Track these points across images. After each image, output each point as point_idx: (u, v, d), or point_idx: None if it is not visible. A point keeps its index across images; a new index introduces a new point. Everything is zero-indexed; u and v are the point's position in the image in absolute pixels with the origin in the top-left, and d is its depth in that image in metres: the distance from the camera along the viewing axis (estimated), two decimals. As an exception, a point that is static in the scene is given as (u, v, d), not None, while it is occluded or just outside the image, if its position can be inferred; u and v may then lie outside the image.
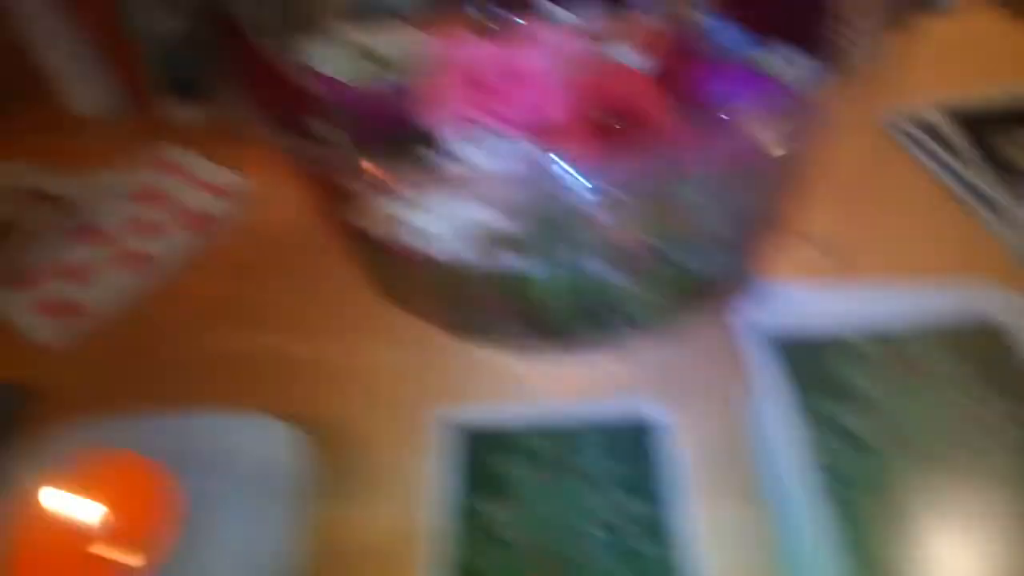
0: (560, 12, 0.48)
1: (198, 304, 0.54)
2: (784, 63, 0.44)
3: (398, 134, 0.45)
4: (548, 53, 0.43)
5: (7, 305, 0.54)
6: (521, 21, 0.47)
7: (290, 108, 0.40)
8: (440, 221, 0.39)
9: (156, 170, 0.65)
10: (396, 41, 0.49)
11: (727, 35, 0.47)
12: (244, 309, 0.53)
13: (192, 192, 0.62)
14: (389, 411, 0.46)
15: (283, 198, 0.60)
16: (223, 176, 0.63)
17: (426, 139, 0.44)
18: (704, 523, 0.39)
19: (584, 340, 0.46)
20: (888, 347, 0.43)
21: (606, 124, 0.43)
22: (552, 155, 0.41)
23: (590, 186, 0.36)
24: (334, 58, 0.48)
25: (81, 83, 0.72)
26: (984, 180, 0.55)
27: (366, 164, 0.36)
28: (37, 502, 0.37)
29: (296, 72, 0.42)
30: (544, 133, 0.42)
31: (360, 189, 0.39)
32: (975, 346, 0.43)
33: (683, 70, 0.46)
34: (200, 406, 0.44)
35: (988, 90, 0.61)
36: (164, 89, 0.69)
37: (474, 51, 0.43)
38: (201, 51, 0.66)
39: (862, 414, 0.40)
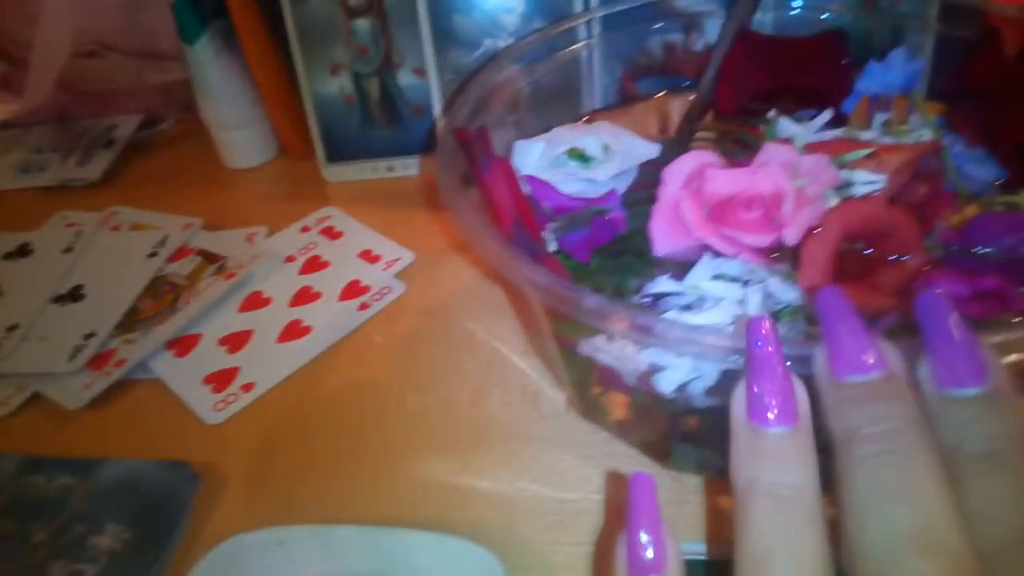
0: (791, 126, 0.45)
1: (357, 385, 0.51)
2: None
3: (611, 248, 0.43)
4: (785, 173, 0.40)
5: (172, 372, 0.53)
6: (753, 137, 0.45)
7: (519, 223, 0.37)
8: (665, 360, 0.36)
9: (319, 235, 0.64)
10: (603, 139, 0.47)
11: (981, 169, 0.43)
12: (408, 398, 0.50)
13: (355, 263, 0.61)
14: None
15: (453, 276, 0.58)
16: (388, 248, 0.61)
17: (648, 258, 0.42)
18: None
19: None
20: None
21: (848, 251, 0.40)
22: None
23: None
24: (539, 158, 0.46)
25: (248, 139, 0.72)
26: None
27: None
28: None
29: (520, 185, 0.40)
30: (778, 259, 0.39)
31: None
32: None
33: (927, 201, 0.43)
34: (376, 516, 0.42)
35: None
36: (326, 151, 0.69)
37: (709, 172, 0.40)
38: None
39: None
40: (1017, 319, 0.35)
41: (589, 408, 0.45)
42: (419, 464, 0.46)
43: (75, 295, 0.60)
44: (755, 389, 0.22)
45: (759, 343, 0.22)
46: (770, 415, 0.21)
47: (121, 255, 0.63)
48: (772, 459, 0.21)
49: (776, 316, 0.38)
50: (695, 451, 0.41)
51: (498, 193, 0.37)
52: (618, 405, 0.42)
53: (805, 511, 0.20)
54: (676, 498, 0.42)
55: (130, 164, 0.77)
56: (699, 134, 0.52)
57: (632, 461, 0.44)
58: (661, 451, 0.42)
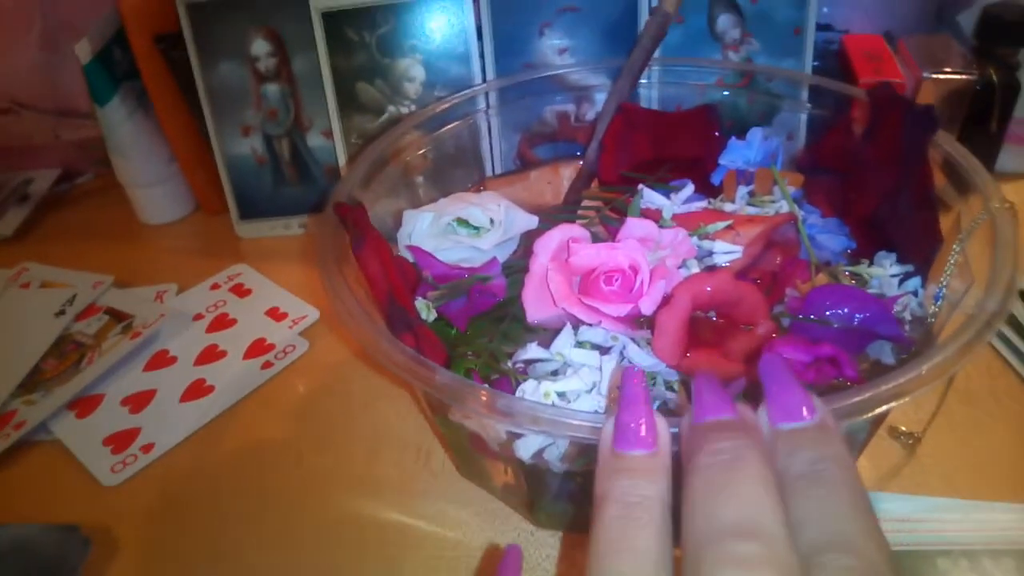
0: (657, 198, 0.49)
1: (257, 445, 0.53)
2: (888, 279, 0.44)
3: (493, 314, 0.45)
4: (644, 247, 0.43)
5: (72, 434, 0.54)
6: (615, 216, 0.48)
7: (395, 293, 0.40)
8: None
9: (228, 292, 0.65)
10: (487, 210, 0.50)
11: (832, 240, 0.47)
12: (305, 456, 0.52)
13: (262, 320, 0.62)
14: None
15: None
16: (295, 306, 0.63)
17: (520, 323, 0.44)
18: None
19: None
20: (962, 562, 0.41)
21: (701, 320, 0.43)
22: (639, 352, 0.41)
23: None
24: (427, 227, 0.49)
25: (163, 195, 0.73)
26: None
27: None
28: None
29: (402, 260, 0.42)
30: (637, 327, 0.42)
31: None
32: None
33: (782, 269, 0.46)
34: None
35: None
36: (239, 209, 0.70)
37: (573, 245, 0.43)
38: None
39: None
40: (848, 385, 0.39)
41: (469, 470, 0.47)
42: (313, 521, 0.47)
43: (-22, 355, 0.60)
44: (623, 419, 0.26)
45: (632, 383, 0.26)
46: (632, 441, 0.25)
47: (28, 313, 0.64)
48: (626, 475, 0.24)
49: (635, 381, 0.40)
50: (565, 511, 0.43)
51: (371, 269, 0.39)
52: (494, 469, 0.44)
53: (649, 514, 0.23)
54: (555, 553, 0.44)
55: (45, 219, 0.77)
56: (584, 202, 0.55)
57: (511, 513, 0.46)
58: (536, 513, 0.44)
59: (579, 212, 0.54)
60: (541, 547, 0.44)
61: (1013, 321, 0.54)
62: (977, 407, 0.51)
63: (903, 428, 0.49)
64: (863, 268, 0.46)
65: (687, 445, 0.25)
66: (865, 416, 0.32)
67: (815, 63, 0.65)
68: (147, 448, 0.52)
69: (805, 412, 0.25)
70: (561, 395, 0.38)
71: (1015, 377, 0.52)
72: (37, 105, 0.77)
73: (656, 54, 0.56)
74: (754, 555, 0.20)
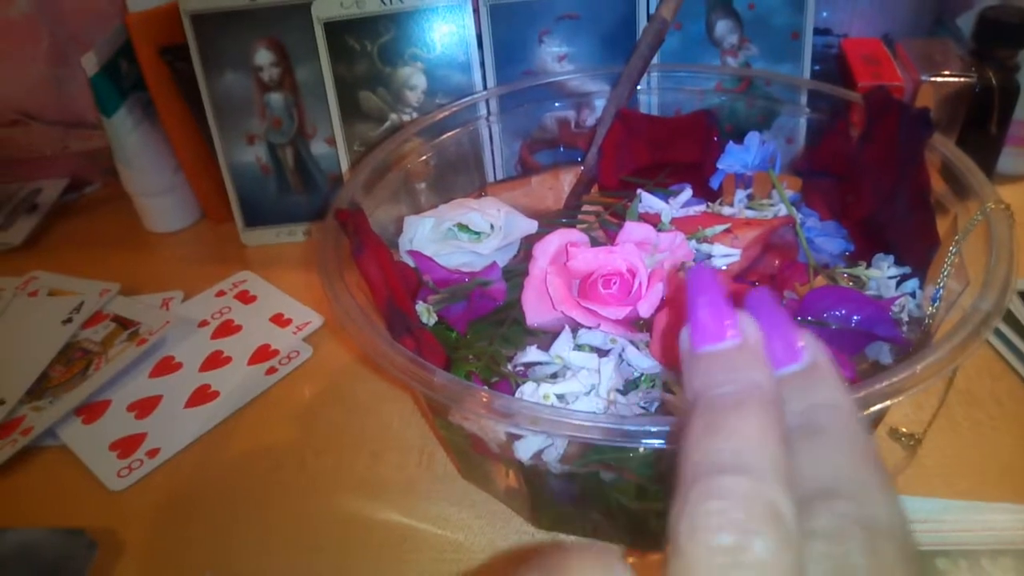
0: (656, 202, 0.49)
1: (261, 449, 0.53)
2: (886, 280, 0.44)
3: (493, 318, 0.46)
4: (642, 250, 0.44)
5: (78, 439, 0.54)
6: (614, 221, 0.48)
7: (395, 298, 0.40)
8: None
9: (233, 299, 0.66)
10: (487, 215, 0.50)
11: (830, 242, 0.47)
12: (308, 461, 0.52)
13: (267, 327, 0.63)
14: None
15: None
16: (299, 312, 0.64)
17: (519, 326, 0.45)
18: None
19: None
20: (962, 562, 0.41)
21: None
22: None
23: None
24: (428, 232, 0.49)
25: (169, 204, 0.74)
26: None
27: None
28: None
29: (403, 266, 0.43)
30: (635, 330, 0.42)
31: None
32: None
33: (780, 272, 0.47)
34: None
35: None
36: (244, 216, 0.71)
37: (572, 249, 0.44)
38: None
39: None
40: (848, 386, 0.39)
41: (470, 472, 0.47)
42: (317, 525, 0.47)
43: (-13, 362, 0.61)
44: (697, 314, 0.22)
45: (699, 274, 0.23)
46: (712, 334, 0.22)
47: (36, 321, 0.65)
48: (717, 368, 0.21)
49: (634, 383, 0.41)
50: (566, 512, 0.43)
51: (371, 274, 0.40)
52: (496, 471, 0.44)
53: (755, 397, 0.20)
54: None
55: (53, 228, 0.78)
56: (585, 207, 0.55)
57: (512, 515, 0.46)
58: (537, 514, 0.44)
59: (579, 217, 0.54)
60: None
61: (1014, 323, 0.54)
62: (978, 408, 0.51)
63: (904, 429, 0.49)
64: (861, 270, 0.46)
65: (687, 374, 0.22)
66: (862, 414, 0.32)
67: (814, 67, 0.65)
68: (153, 453, 0.53)
69: (794, 355, 0.22)
70: (560, 397, 0.38)
71: (1016, 379, 0.52)
72: (45, 117, 0.78)
73: (655, 60, 0.57)
74: (739, 489, 0.19)
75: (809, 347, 0.22)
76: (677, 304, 0.40)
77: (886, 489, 0.20)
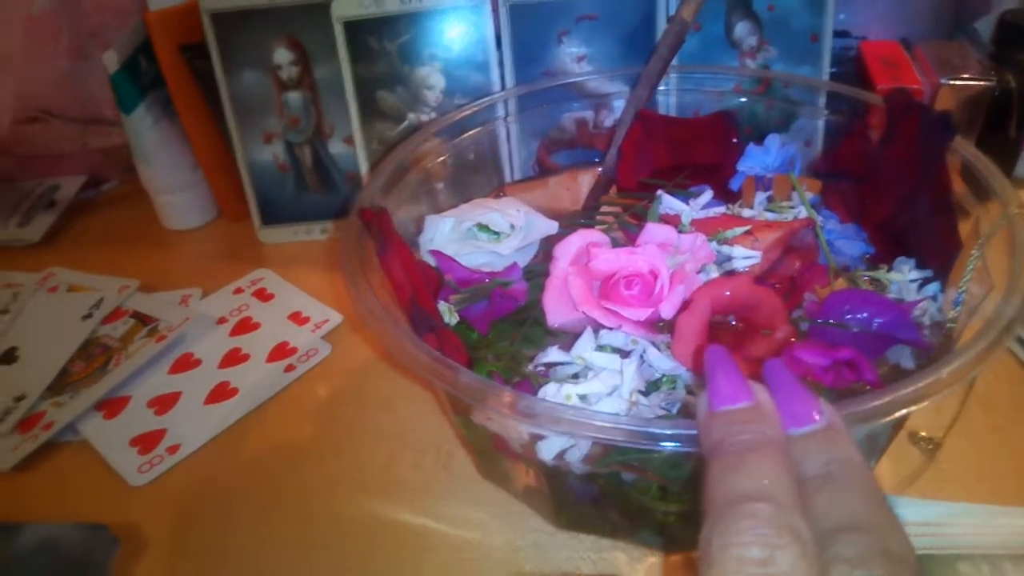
0: (676, 204, 0.49)
1: (280, 446, 0.54)
2: (907, 284, 0.44)
3: (514, 318, 0.46)
4: (663, 251, 0.44)
5: (99, 435, 0.55)
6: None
7: (418, 300, 0.40)
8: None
9: (251, 296, 0.66)
10: (507, 215, 0.51)
11: (851, 245, 0.47)
12: (326, 459, 0.52)
13: (285, 324, 0.63)
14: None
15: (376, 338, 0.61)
16: (317, 310, 0.64)
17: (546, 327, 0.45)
18: None
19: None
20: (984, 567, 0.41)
21: (721, 324, 0.43)
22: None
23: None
24: (448, 232, 0.50)
25: (187, 202, 0.75)
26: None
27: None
28: None
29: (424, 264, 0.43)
30: (657, 331, 0.42)
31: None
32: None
33: (801, 274, 0.47)
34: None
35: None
36: (261, 215, 0.72)
37: (593, 250, 0.44)
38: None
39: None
40: (868, 389, 0.39)
41: (490, 471, 0.47)
42: (334, 523, 0.48)
43: (8, 357, 0.61)
44: (716, 381, 0.26)
45: (716, 353, 0.27)
46: (729, 396, 0.26)
47: (56, 317, 0.65)
48: (734, 423, 0.25)
49: (655, 384, 0.41)
50: (587, 512, 0.43)
51: (395, 273, 0.40)
52: (516, 470, 0.44)
53: (765, 446, 0.24)
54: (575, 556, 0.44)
55: (72, 224, 0.79)
56: (603, 208, 0.55)
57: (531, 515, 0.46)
58: (557, 514, 0.44)
59: (598, 218, 0.54)
60: (561, 549, 0.45)
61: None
62: (998, 414, 0.51)
63: (923, 433, 0.49)
64: (882, 273, 0.46)
65: (705, 432, 0.26)
66: (885, 420, 0.32)
67: (832, 69, 0.65)
68: (173, 449, 0.53)
69: (814, 415, 0.26)
70: (582, 398, 0.38)
71: (1035, 383, 0.52)
72: (65, 113, 0.78)
73: (674, 61, 0.57)
74: (766, 512, 0.22)
75: (826, 411, 0.26)
76: (698, 306, 0.40)
77: (899, 527, 0.23)
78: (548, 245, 0.50)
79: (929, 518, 0.43)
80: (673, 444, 0.31)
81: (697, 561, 0.22)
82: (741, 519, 0.22)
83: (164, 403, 0.57)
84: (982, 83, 0.63)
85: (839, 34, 0.70)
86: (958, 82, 0.64)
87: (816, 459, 0.24)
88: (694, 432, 0.30)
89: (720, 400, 0.26)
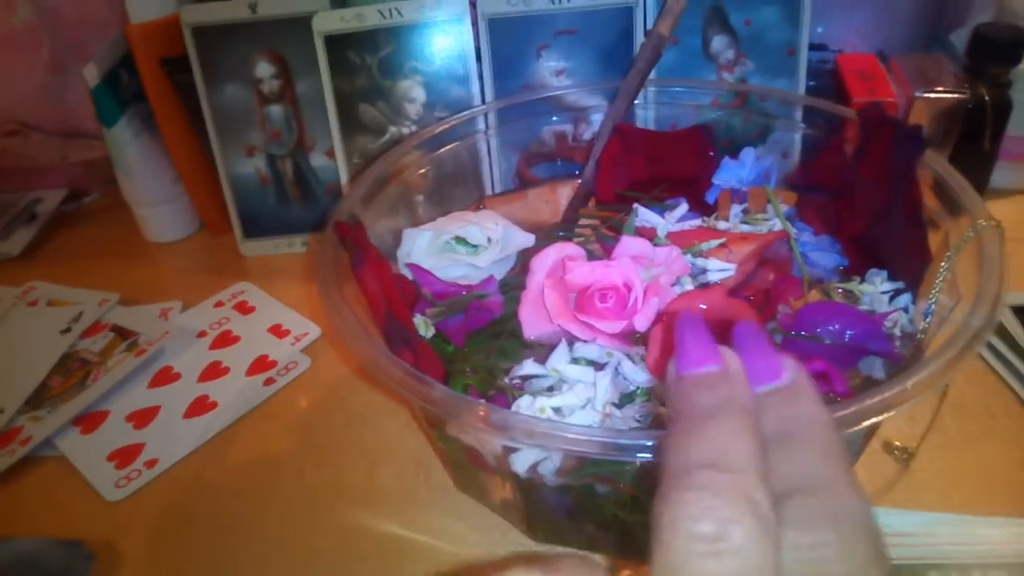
0: (652, 216, 0.50)
1: (259, 460, 0.53)
2: (879, 295, 0.45)
3: (490, 330, 0.46)
4: (639, 264, 0.44)
5: (76, 450, 0.55)
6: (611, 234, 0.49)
7: (393, 313, 0.40)
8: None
9: (232, 309, 0.66)
10: (485, 228, 0.51)
11: (825, 257, 0.47)
12: (306, 472, 0.52)
13: (265, 337, 0.63)
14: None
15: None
16: (297, 323, 0.64)
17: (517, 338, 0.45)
18: None
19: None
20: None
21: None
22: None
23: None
24: (426, 245, 0.50)
25: (168, 214, 0.74)
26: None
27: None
28: None
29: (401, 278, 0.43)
30: (631, 344, 0.43)
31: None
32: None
33: (775, 286, 0.47)
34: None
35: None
36: (243, 227, 0.72)
37: (568, 263, 0.44)
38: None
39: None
40: (839, 401, 0.39)
41: (467, 484, 0.47)
42: (314, 536, 0.48)
43: (-14, 372, 0.61)
44: (684, 345, 0.24)
45: (687, 318, 0.25)
46: (696, 359, 0.24)
47: (35, 331, 0.65)
48: (700, 388, 0.23)
49: (629, 397, 0.41)
50: (562, 525, 0.44)
51: (370, 287, 0.40)
52: (492, 484, 0.44)
53: (733, 412, 0.22)
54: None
55: (52, 238, 0.79)
56: (581, 220, 0.56)
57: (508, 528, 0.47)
58: (533, 527, 0.45)
59: (576, 231, 0.55)
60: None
61: (1007, 337, 0.55)
62: (972, 422, 0.51)
63: (897, 443, 0.49)
64: (855, 285, 0.46)
65: (671, 395, 0.24)
66: (853, 429, 0.33)
67: (809, 83, 0.66)
68: (151, 464, 0.53)
69: (779, 372, 0.24)
70: (556, 410, 0.38)
71: (1009, 393, 0.53)
72: (45, 127, 0.78)
73: (651, 75, 0.57)
74: (718, 483, 0.20)
75: (790, 367, 0.24)
76: (672, 321, 0.41)
77: (855, 488, 0.21)
78: (525, 258, 0.50)
79: (902, 528, 0.44)
80: (644, 455, 0.32)
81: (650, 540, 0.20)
82: (692, 489, 0.20)
83: (142, 417, 0.57)
84: (956, 96, 0.64)
85: (816, 47, 0.71)
86: (933, 95, 0.64)
87: (774, 416, 0.23)
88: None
89: (686, 363, 0.24)
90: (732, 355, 0.24)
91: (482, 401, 0.34)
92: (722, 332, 0.43)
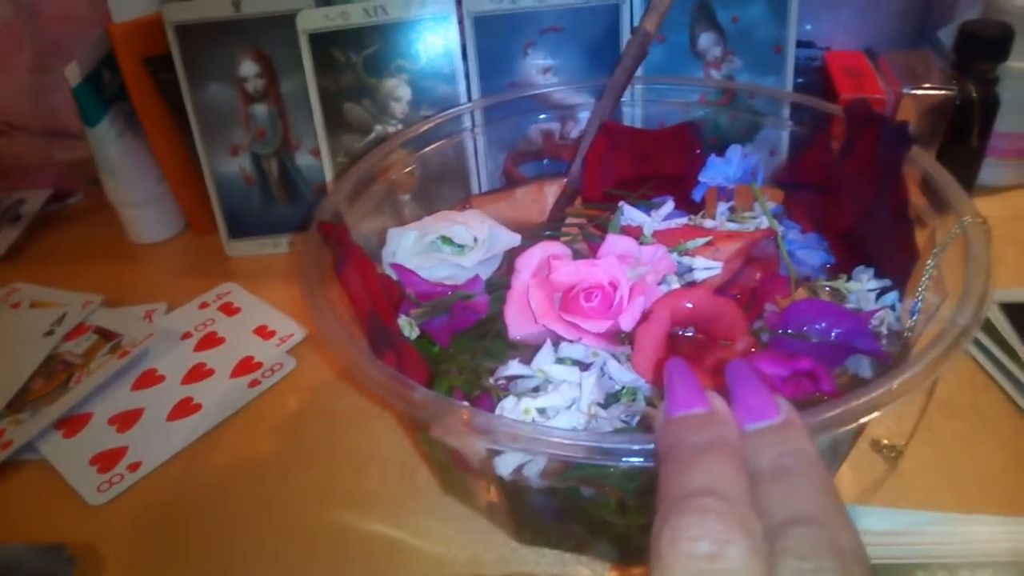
0: (638, 215, 0.49)
1: (244, 462, 0.53)
2: (866, 293, 0.44)
3: (475, 331, 0.46)
4: (624, 263, 0.44)
5: (58, 453, 0.54)
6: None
7: (377, 313, 0.40)
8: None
9: (217, 311, 0.66)
10: (471, 228, 0.50)
11: (812, 255, 0.47)
12: (291, 474, 0.52)
13: (250, 339, 0.62)
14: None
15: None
16: (283, 324, 0.63)
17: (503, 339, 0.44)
18: None
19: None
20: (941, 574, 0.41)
21: (681, 336, 0.43)
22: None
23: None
24: (411, 244, 0.49)
25: (153, 215, 0.74)
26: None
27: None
28: None
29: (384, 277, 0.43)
30: (617, 343, 0.42)
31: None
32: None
33: (761, 284, 0.47)
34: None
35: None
36: (228, 228, 0.71)
37: (554, 262, 0.44)
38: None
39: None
40: (825, 400, 0.39)
41: (452, 487, 0.47)
42: (299, 539, 0.47)
43: (-32, 375, 0.60)
44: (673, 389, 0.26)
45: (675, 363, 0.27)
46: (685, 402, 0.26)
47: (17, 333, 0.64)
48: (689, 427, 0.25)
49: (615, 396, 0.41)
50: (548, 527, 0.43)
51: (353, 287, 0.40)
52: (477, 486, 0.44)
53: (721, 447, 0.24)
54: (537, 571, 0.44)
55: (37, 239, 0.78)
56: (568, 219, 0.55)
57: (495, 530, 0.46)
58: (519, 529, 0.44)
59: (563, 229, 0.54)
60: (524, 564, 0.44)
61: (995, 335, 0.55)
62: (960, 421, 0.51)
63: (885, 441, 0.49)
64: (841, 283, 0.46)
65: (662, 438, 0.26)
66: (840, 430, 0.32)
67: (798, 80, 0.66)
68: (134, 467, 0.53)
69: (770, 411, 0.26)
70: (541, 411, 0.38)
71: (997, 391, 0.53)
72: (28, 126, 0.77)
73: (638, 72, 0.57)
74: (715, 507, 0.21)
75: (783, 405, 0.26)
76: (658, 318, 0.40)
77: (849, 521, 0.23)
78: (511, 258, 0.50)
79: (890, 527, 0.44)
80: (630, 459, 0.31)
81: (649, 559, 0.22)
82: (690, 513, 0.22)
83: (126, 420, 0.56)
84: (944, 92, 0.64)
85: (804, 44, 0.71)
86: (920, 91, 0.64)
87: (770, 452, 0.24)
88: (651, 446, 0.30)
89: (676, 406, 0.26)
90: (718, 398, 0.26)
91: (465, 404, 0.34)
92: (708, 331, 0.43)
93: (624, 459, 0.31)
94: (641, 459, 0.31)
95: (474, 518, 0.47)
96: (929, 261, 0.42)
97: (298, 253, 0.42)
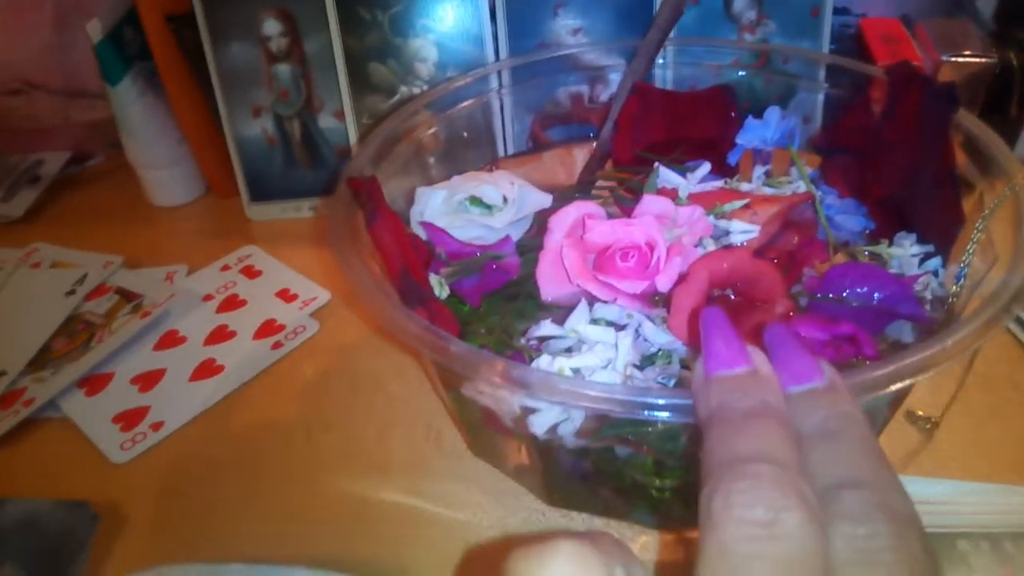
0: (674, 177, 0.48)
1: (266, 424, 0.52)
2: (908, 258, 0.43)
3: (506, 292, 0.45)
4: (658, 225, 0.43)
5: (81, 411, 0.54)
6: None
7: (408, 270, 0.39)
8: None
9: (239, 273, 0.65)
10: (501, 188, 0.49)
11: (850, 220, 0.46)
12: (315, 436, 0.51)
13: (272, 302, 0.62)
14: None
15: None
16: (305, 287, 0.63)
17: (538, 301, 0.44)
18: None
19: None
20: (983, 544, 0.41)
21: (718, 298, 0.42)
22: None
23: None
24: (440, 204, 0.48)
25: (173, 177, 0.73)
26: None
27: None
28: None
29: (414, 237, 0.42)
30: (652, 305, 0.41)
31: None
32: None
33: (799, 249, 0.46)
34: (277, 553, 0.43)
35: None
36: (249, 191, 0.70)
37: (588, 222, 0.43)
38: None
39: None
40: (868, 364, 0.38)
41: (481, 448, 0.46)
42: (322, 501, 0.47)
43: (-11, 333, 0.60)
44: (712, 345, 0.25)
45: (711, 314, 0.26)
46: (726, 360, 0.25)
47: (38, 293, 0.64)
48: (732, 389, 0.24)
49: (650, 359, 0.40)
50: (579, 489, 0.43)
51: (385, 242, 0.39)
52: (508, 447, 0.43)
53: (777, 414, 0.23)
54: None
55: (56, 200, 0.77)
56: (598, 182, 0.54)
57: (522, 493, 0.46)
58: (549, 492, 0.44)
59: (593, 192, 0.53)
60: (553, 527, 0.44)
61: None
62: (995, 394, 0.50)
63: (921, 412, 0.48)
64: (883, 248, 0.45)
65: (702, 398, 0.25)
66: (887, 390, 0.31)
67: (831, 46, 0.64)
68: (157, 426, 0.52)
69: (814, 374, 0.25)
70: (576, 371, 0.37)
71: (1034, 363, 0.52)
72: (48, 85, 0.77)
73: (671, 34, 0.55)
74: (769, 473, 0.21)
75: (827, 368, 0.25)
76: (696, 279, 0.39)
77: (901, 486, 0.22)
78: (541, 219, 0.49)
79: (928, 496, 0.43)
80: (670, 414, 0.30)
81: (699, 525, 0.21)
82: (744, 478, 0.21)
83: (148, 380, 0.56)
84: (983, 60, 0.62)
85: (839, 11, 0.69)
86: (959, 59, 0.63)
87: (816, 416, 0.24)
88: (691, 402, 0.29)
89: (717, 364, 0.25)
90: (760, 354, 0.25)
91: (502, 357, 0.33)
92: (746, 293, 0.42)
93: (663, 413, 0.31)
94: (681, 414, 0.30)
95: (499, 480, 0.46)
96: (978, 223, 0.41)
97: (326, 211, 0.42)
